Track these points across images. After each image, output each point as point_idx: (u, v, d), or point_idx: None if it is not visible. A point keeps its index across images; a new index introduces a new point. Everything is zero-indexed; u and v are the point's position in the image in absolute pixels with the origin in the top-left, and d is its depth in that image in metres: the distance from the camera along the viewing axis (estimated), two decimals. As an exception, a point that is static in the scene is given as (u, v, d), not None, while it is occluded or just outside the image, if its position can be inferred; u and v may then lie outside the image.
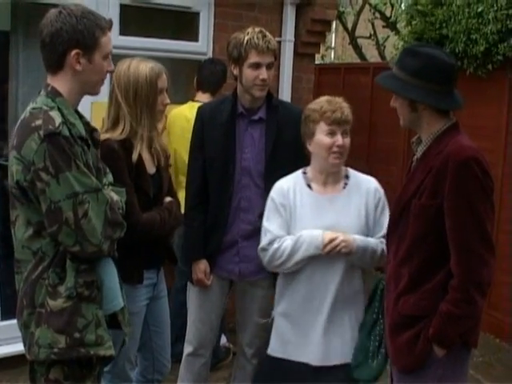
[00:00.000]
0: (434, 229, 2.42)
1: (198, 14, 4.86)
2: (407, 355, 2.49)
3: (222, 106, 3.26)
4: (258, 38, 3.08)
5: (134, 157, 2.79)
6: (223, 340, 4.70)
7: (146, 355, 3.13)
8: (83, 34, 2.23)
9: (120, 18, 4.47)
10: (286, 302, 2.94)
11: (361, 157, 7.32)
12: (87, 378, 2.33)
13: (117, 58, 2.91)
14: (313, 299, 2.86)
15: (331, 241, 2.77)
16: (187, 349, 3.45)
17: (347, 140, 2.88)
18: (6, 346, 4.12)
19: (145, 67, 2.82)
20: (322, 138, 2.85)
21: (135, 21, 4.88)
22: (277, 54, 3.21)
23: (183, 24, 5.11)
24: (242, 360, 3.46)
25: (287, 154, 3.18)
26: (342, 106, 2.87)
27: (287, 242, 2.84)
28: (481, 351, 5.01)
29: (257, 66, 3.10)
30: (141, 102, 2.80)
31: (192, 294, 3.42)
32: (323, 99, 2.91)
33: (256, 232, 3.12)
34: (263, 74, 3.10)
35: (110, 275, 2.37)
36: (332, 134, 2.84)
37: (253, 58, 3.09)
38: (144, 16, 4.88)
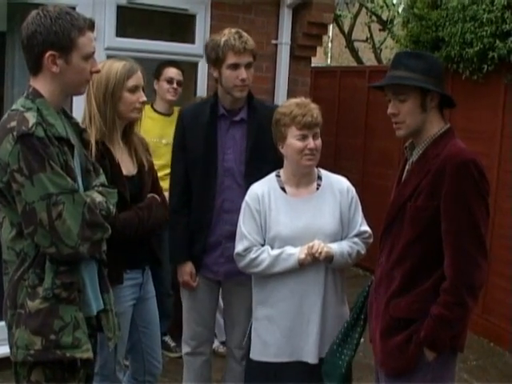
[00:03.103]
0: (428, 231, 2.43)
1: (194, 16, 4.86)
2: (398, 359, 2.49)
3: (203, 108, 3.26)
4: (234, 38, 3.09)
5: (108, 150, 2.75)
6: (215, 343, 4.68)
7: (136, 357, 3.12)
8: (58, 36, 2.21)
9: (117, 19, 4.47)
10: (267, 306, 2.95)
11: (356, 159, 7.34)
12: (69, 380, 2.32)
13: (113, 60, 2.91)
14: (293, 300, 2.88)
15: (308, 252, 2.80)
16: (185, 349, 3.47)
17: (318, 142, 2.91)
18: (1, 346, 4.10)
19: (118, 64, 2.82)
20: (293, 142, 2.88)
21: (132, 22, 4.88)
22: (255, 54, 3.21)
23: (180, 26, 5.11)
24: (232, 362, 3.45)
25: (268, 154, 3.19)
26: (311, 108, 2.89)
27: (264, 256, 2.88)
28: (475, 355, 5.03)
29: (235, 66, 3.11)
30: (108, 99, 2.79)
31: (183, 296, 3.44)
32: (292, 102, 2.94)
33: None
34: (242, 74, 3.11)
35: (89, 278, 2.37)
36: (303, 137, 2.87)
37: (230, 59, 3.10)
38: (141, 18, 4.89)
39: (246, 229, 2.93)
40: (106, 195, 2.41)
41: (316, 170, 3.02)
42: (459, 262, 2.36)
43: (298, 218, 2.89)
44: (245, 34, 3.15)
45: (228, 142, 3.23)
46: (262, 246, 2.92)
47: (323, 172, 3.05)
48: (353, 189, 3.02)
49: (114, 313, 2.52)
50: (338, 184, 3.01)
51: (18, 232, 2.24)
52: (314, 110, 2.90)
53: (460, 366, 2.68)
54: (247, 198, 2.97)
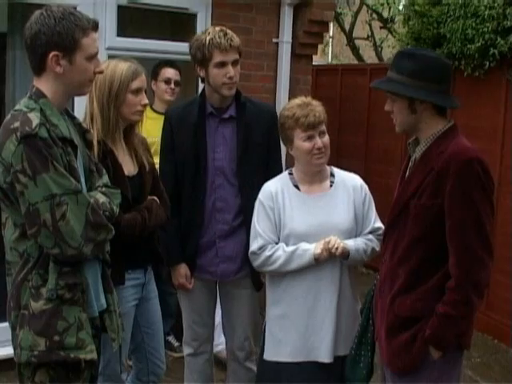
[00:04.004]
0: (432, 229, 2.42)
1: (195, 15, 4.86)
2: (403, 357, 2.48)
3: (191, 108, 3.23)
4: (219, 36, 3.06)
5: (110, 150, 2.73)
6: (220, 346, 4.66)
7: (139, 357, 3.11)
8: (61, 36, 2.21)
9: (117, 19, 4.47)
10: (282, 305, 2.94)
11: (358, 157, 7.34)
12: (74, 381, 2.32)
13: (114, 60, 2.90)
14: (309, 297, 2.88)
15: (325, 247, 2.80)
16: (187, 350, 3.46)
17: (326, 139, 2.91)
18: (3, 348, 4.10)
19: (123, 65, 2.81)
20: (300, 144, 2.88)
21: (133, 22, 4.88)
22: (241, 50, 3.19)
23: (181, 25, 5.11)
24: (234, 365, 3.44)
25: (258, 150, 3.20)
26: (313, 107, 2.88)
27: (279, 253, 2.87)
28: (479, 352, 5.03)
29: (222, 64, 3.08)
30: (112, 100, 2.78)
31: (182, 298, 3.42)
32: (294, 104, 2.93)
33: (233, 231, 3.18)
34: (230, 71, 3.09)
35: (92, 279, 2.37)
36: (310, 138, 2.87)
37: (217, 57, 3.06)
38: (141, 17, 4.88)
39: (260, 227, 2.92)
40: (110, 196, 2.40)
41: (328, 167, 3.02)
42: (464, 260, 2.35)
43: (312, 214, 2.89)
44: (229, 32, 3.12)
45: (218, 140, 3.20)
46: (277, 243, 2.92)
47: (336, 170, 3.05)
48: (366, 186, 3.02)
49: (118, 313, 2.52)
50: (351, 181, 3.01)
51: (22, 233, 2.23)
52: (317, 108, 2.89)
53: (464, 363, 2.67)
54: (260, 196, 2.97)
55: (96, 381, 2.57)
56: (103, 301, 2.44)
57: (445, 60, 2.54)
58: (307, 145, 2.86)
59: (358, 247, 2.87)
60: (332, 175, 3.01)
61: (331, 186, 2.98)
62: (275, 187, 2.96)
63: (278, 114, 3.06)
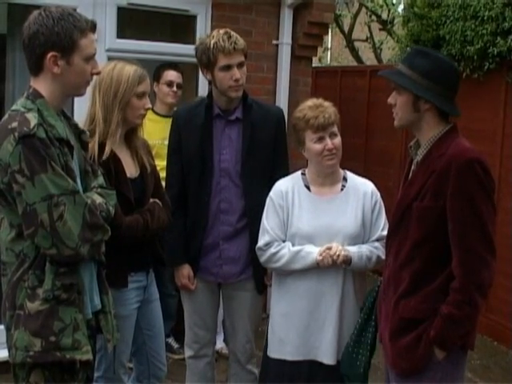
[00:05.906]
0: (435, 231, 2.42)
1: (195, 17, 4.86)
2: (408, 359, 2.48)
3: (198, 109, 3.24)
4: (223, 40, 3.05)
5: (107, 151, 2.74)
6: (220, 344, 4.67)
7: (140, 360, 3.11)
8: (60, 37, 2.21)
9: (117, 20, 4.47)
10: (284, 303, 2.95)
11: (358, 159, 7.33)
12: (68, 382, 2.32)
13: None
14: (310, 298, 2.88)
15: (325, 255, 2.80)
16: (188, 352, 3.45)
17: (337, 140, 2.92)
18: (2, 350, 4.08)
19: (129, 68, 2.83)
20: (311, 145, 2.89)
21: (133, 24, 4.88)
22: (246, 52, 3.18)
23: (181, 27, 5.11)
24: (236, 367, 3.44)
25: (264, 152, 3.20)
26: (323, 109, 2.89)
27: (284, 251, 2.88)
28: (479, 354, 5.02)
29: (227, 67, 3.08)
30: (117, 102, 2.79)
31: (184, 300, 3.42)
32: (306, 105, 2.94)
33: (237, 233, 3.18)
34: (235, 74, 3.08)
35: (87, 280, 2.36)
36: (320, 139, 2.87)
37: (222, 61, 3.06)
38: (141, 19, 4.89)
39: (268, 224, 2.95)
40: (106, 197, 2.40)
41: (342, 171, 3.04)
42: (467, 261, 2.36)
43: (319, 216, 2.90)
44: (234, 34, 3.11)
45: (224, 141, 3.21)
46: (284, 241, 2.93)
47: (349, 174, 3.06)
48: (377, 193, 3.02)
49: (113, 315, 2.51)
50: (362, 187, 3.01)
51: (18, 233, 2.23)
52: (328, 109, 2.90)
53: (464, 364, 2.67)
54: (271, 193, 3.00)
55: (91, 382, 2.57)
56: (97, 302, 2.44)
57: (456, 67, 2.55)
58: (317, 146, 2.87)
59: (361, 254, 2.87)
60: (345, 179, 3.02)
61: (342, 189, 2.98)
62: (286, 186, 2.98)
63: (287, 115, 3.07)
